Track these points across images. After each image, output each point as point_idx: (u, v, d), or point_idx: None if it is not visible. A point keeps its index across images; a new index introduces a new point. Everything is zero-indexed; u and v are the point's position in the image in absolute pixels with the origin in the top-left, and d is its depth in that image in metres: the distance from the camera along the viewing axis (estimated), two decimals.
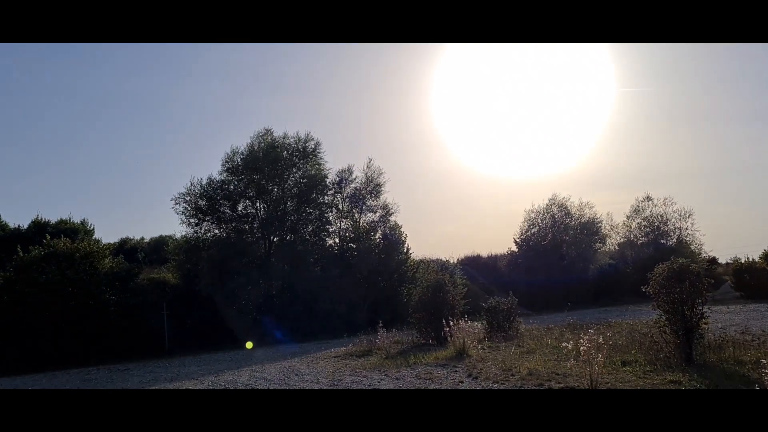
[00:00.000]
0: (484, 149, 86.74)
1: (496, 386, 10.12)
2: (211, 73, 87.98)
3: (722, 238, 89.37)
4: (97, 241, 26.60)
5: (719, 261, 53.73)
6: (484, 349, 14.50)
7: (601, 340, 9.26)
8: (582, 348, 9.07)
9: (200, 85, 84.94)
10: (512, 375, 11.08)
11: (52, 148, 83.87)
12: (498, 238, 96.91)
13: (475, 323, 18.32)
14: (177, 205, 28.28)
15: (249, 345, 12.41)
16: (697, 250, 43.91)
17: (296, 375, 13.18)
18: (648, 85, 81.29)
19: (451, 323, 16.04)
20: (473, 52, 77.08)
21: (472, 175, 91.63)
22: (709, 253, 46.77)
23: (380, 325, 17.74)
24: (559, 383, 10.00)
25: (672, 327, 11.23)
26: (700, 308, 11.16)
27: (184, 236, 28.75)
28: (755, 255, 67.70)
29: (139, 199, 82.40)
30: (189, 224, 28.48)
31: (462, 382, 10.88)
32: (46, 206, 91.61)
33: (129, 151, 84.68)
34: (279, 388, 11.74)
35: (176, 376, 14.97)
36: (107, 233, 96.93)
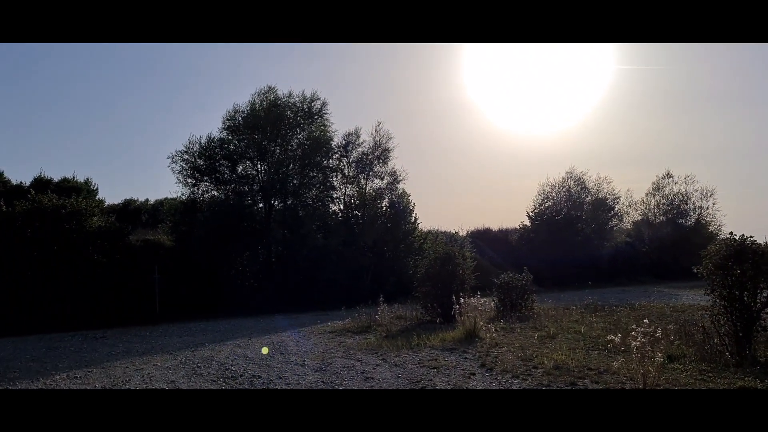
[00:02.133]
0: (500, 120, 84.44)
1: (516, 382, 8.60)
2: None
3: (742, 222, 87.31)
4: (87, 199, 25.01)
5: None
6: (497, 330, 12.94)
7: (658, 334, 7.46)
8: (634, 343, 7.30)
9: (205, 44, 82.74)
10: (534, 368, 9.55)
11: (62, 106, 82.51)
12: (509, 213, 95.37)
13: (484, 300, 16.85)
14: (174, 164, 26.77)
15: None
16: (716, 231, 42.17)
17: (281, 354, 11.71)
18: (674, 64, 78.57)
19: (461, 300, 14.55)
20: None
21: (486, 148, 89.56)
22: (729, 234, 44.83)
23: (381, 298, 16.24)
24: (596, 382, 8.46)
25: (729, 316, 9.53)
26: (765, 294, 9.42)
27: (181, 197, 27.19)
28: None
29: (145, 160, 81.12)
30: (186, 184, 26.97)
31: (474, 374, 9.34)
32: (54, 165, 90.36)
33: (136, 111, 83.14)
34: (258, 368, 10.34)
35: (150, 348, 13.49)
36: (112, 194, 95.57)
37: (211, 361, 11.35)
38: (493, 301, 17.43)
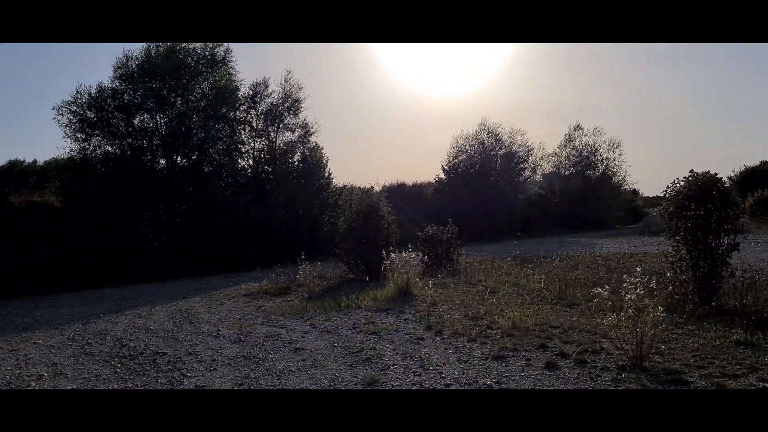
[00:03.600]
0: (410, 75, 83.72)
1: (476, 347, 7.50)
2: None
3: (644, 172, 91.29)
4: None
5: (639, 194, 53.99)
6: (429, 286, 11.98)
7: (653, 285, 6.42)
8: (628, 296, 6.23)
9: None
10: (489, 329, 8.46)
11: None
12: (420, 170, 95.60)
13: (407, 255, 15.91)
14: (60, 116, 23.96)
15: None
16: (619, 182, 43.38)
17: (191, 323, 10.16)
18: None
19: (389, 255, 13.51)
20: None
21: (396, 106, 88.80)
22: (633, 185, 46.38)
23: (303, 256, 14.94)
24: (567, 341, 7.54)
25: (692, 261, 8.81)
26: (731, 237, 8.74)
27: (70, 152, 24.45)
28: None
29: (31, 116, 74.85)
30: (75, 139, 24.20)
31: (422, 339, 8.14)
32: None
33: (14, 60, 76.20)
34: (164, 343, 8.80)
35: (33, 322, 11.54)
36: None
37: (105, 335, 9.55)
38: (419, 255, 16.51)
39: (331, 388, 6.17)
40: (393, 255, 14.56)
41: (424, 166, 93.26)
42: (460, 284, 12.50)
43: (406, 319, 9.31)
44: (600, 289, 6.55)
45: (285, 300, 12.14)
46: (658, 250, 14.91)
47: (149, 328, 9.87)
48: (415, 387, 6.06)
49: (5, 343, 9.57)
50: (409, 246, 14.94)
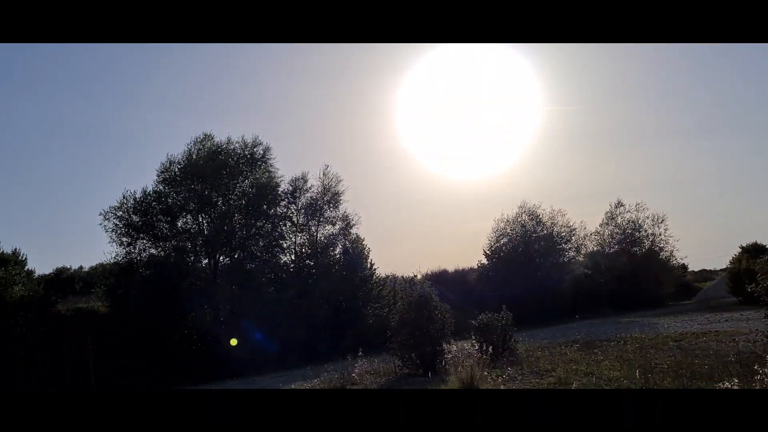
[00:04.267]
0: (435, 166, 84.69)
1: None
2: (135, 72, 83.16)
3: (691, 248, 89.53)
4: (7, 268, 22.31)
5: (688, 268, 52.29)
6: (494, 379, 11.21)
7: None
8: None
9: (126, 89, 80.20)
10: None
11: None
12: (463, 254, 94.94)
13: (460, 345, 15.17)
14: (106, 221, 24.41)
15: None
16: (667, 257, 42.07)
17: None
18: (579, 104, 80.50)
19: (445, 347, 12.89)
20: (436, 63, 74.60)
21: (426, 194, 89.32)
22: (681, 260, 44.95)
23: (360, 353, 14.34)
24: None
25: None
26: None
27: (116, 258, 24.68)
28: (719, 265, 66.75)
29: (77, 224, 76.99)
30: (121, 243, 24.55)
31: None
32: None
33: (61, 171, 79.12)
34: None
35: None
36: (43, 264, 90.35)
37: None
38: (473, 345, 15.78)
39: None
40: (448, 346, 13.96)
41: (465, 253, 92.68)
42: (526, 375, 11.73)
43: None
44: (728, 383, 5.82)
45: None
46: (729, 327, 13.98)
47: None
48: None
49: None
50: (455, 336, 14.29)
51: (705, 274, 63.06)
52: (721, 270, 66.47)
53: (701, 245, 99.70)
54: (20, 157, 75.18)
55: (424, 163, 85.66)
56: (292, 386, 14.93)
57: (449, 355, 12.63)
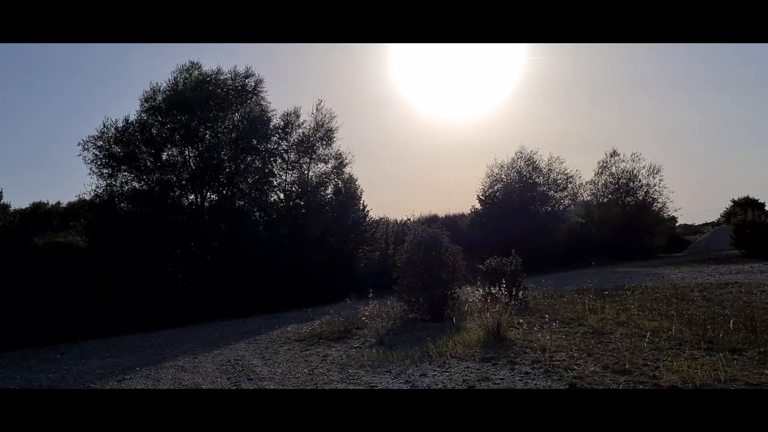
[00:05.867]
0: (434, 109, 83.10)
1: None
2: None
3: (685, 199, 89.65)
4: None
5: (678, 221, 51.92)
6: (520, 325, 10.22)
7: None
8: None
9: None
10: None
11: None
12: (451, 202, 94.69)
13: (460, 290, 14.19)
14: (86, 152, 22.78)
15: None
16: (660, 209, 41.57)
17: (249, 379, 8.31)
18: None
19: (455, 292, 11.90)
20: None
21: (418, 136, 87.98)
22: (675, 212, 44.51)
23: (371, 294, 13.31)
24: None
25: None
26: None
27: (96, 190, 23.15)
28: (705, 219, 66.70)
29: (53, 159, 74.71)
30: (101, 175, 22.95)
31: None
32: None
33: (35, 100, 76.30)
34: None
35: (59, 379, 9.84)
36: (19, 200, 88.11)
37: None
38: (479, 290, 14.84)
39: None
40: (459, 291, 13.00)
41: (453, 200, 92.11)
42: (550, 323, 10.76)
43: (526, 372, 7.30)
44: None
45: (350, 346, 10.39)
46: (745, 279, 13.05)
47: (200, 387, 8.09)
48: None
49: None
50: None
51: (695, 228, 63.07)
52: (710, 223, 66.71)
53: (685, 199, 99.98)
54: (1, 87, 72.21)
55: (415, 107, 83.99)
56: (288, 329, 13.93)
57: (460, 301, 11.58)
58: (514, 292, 14.08)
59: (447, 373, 7.50)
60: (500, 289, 13.75)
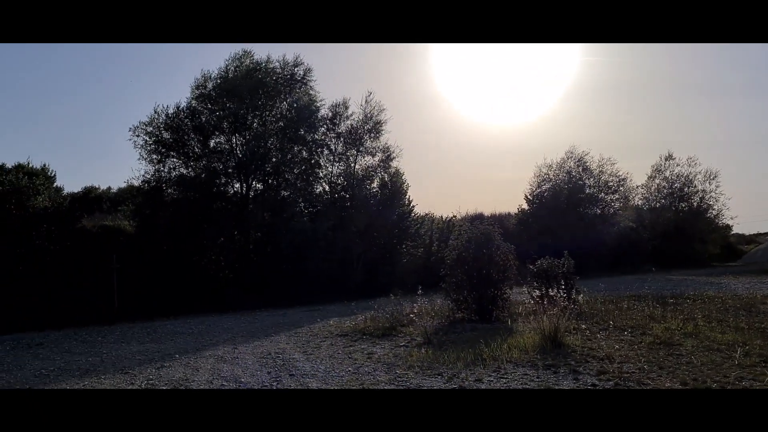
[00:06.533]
0: (472, 113, 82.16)
1: None
2: None
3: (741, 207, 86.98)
4: (32, 180, 21.00)
5: (732, 230, 49.88)
6: (570, 332, 9.69)
7: None
8: None
9: None
10: None
11: (14, 90, 77.28)
12: (496, 201, 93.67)
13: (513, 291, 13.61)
14: (136, 137, 22.92)
15: None
16: (713, 216, 39.93)
17: (291, 375, 7.92)
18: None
19: (506, 292, 11.41)
20: None
21: (464, 136, 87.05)
22: (731, 219, 42.71)
23: (419, 291, 12.92)
24: None
25: None
26: None
27: (145, 175, 23.28)
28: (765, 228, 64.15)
29: (108, 143, 76.32)
30: (150, 161, 23.09)
31: None
32: (9, 153, 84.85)
33: (93, 87, 78.08)
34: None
35: (98, 362, 9.70)
36: (73, 183, 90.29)
37: (188, 382, 7.74)
38: (529, 293, 14.28)
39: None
40: (509, 292, 12.50)
41: (498, 200, 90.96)
42: (603, 330, 10.16)
43: (593, 385, 6.68)
44: None
45: (395, 345, 9.97)
46: None
47: (239, 380, 7.78)
48: None
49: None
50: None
51: (750, 239, 60.73)
52: (764, 233, 64.17)
53: (739, 208, 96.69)
54: (61, 73, 74.07)
55: (460, 110, 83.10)
56: (330, 322, 13.63)
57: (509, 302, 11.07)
58: (571, 296, 13.49)
59: (504, 380, 6.97)
60: (558, 292, 13.18)
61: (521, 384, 6.79)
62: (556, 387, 6.62)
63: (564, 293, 13.49)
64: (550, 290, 11.98)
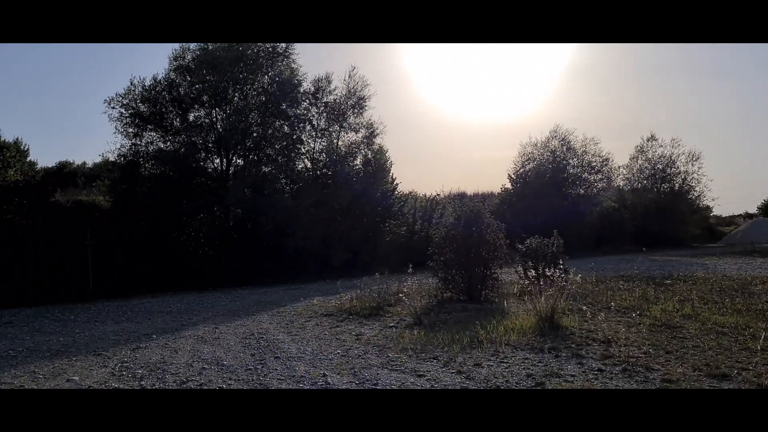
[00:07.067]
0: (464, 96, 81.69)
1: None
2: None
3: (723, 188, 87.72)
4: (3, 150, 20.21)
5: (712, 211, 50.15)
6: (565, 314, 9.37)
7: None
8: None
9: None
10: None
11: None
12: (480, 181, 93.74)
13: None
14: (111, 109, 22.16)
15: None
16: (694, 198, 40.11)
17: (276, 358, 7.47)
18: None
19: (495, 272, 11.07)
20: None
21: (451, 119, 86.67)
22: (712, 201, 42.95)
23: (410, 269, 12.54)
24: None
25: None
26: None
27: (121, 149, 22.53)
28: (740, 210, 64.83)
29: (80, 120, 74.65)
30: (126, 134, 22.36)
31: None
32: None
33: (66, 59, 76.22)
34: (249, 381, 6.26)
35: (71, 342, 9.22)
36: (48, 159, 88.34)
37: (162, 372, 6.99)
38: (522, 272, 13.97)
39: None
40: (499, 272, 12.18)
41: (480, 180, 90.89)
42: (600, 311, 9.88)
43: (599, 369, 6.31)
44: None
45: (384, 325, 9.58)
46: None
47: (221, 363, 7.25)
48: None
49: (31, 377, 7.05)
50: None
51: (729, 220, 61.27)
52: (740, 215, 64.78)
53: (717, 190, 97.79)
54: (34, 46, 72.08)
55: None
56: (314, 301, 13.23)
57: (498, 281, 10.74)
58: (552, 276, 13.19)
59: (504, 364, 6.59)
60: (554, 271, 12.88)
61: (523, 369, 6.43)
62: (561, 372, 6.25)
63: (561, 273, 13.18)
64: (547, 270, 11.64)
